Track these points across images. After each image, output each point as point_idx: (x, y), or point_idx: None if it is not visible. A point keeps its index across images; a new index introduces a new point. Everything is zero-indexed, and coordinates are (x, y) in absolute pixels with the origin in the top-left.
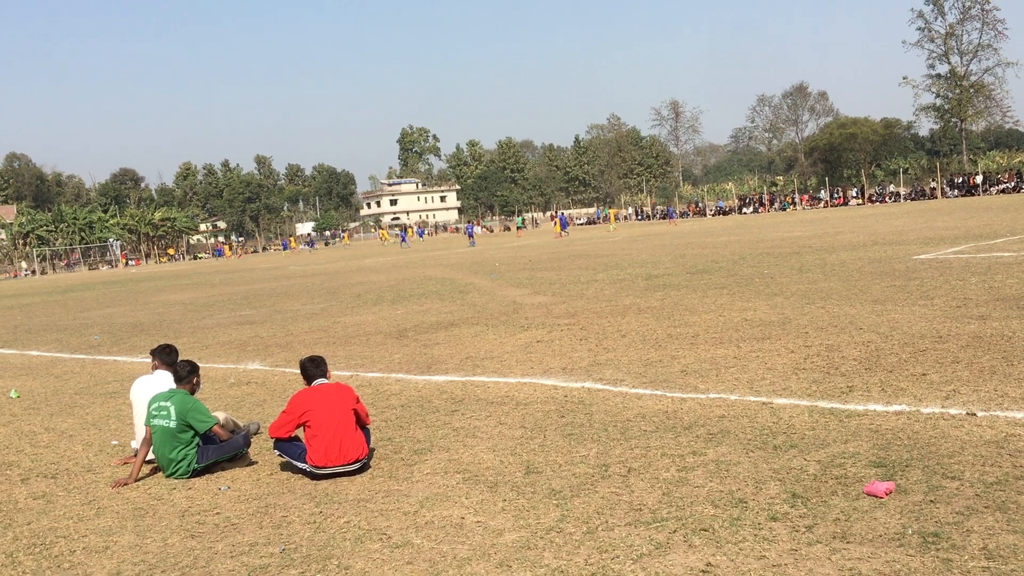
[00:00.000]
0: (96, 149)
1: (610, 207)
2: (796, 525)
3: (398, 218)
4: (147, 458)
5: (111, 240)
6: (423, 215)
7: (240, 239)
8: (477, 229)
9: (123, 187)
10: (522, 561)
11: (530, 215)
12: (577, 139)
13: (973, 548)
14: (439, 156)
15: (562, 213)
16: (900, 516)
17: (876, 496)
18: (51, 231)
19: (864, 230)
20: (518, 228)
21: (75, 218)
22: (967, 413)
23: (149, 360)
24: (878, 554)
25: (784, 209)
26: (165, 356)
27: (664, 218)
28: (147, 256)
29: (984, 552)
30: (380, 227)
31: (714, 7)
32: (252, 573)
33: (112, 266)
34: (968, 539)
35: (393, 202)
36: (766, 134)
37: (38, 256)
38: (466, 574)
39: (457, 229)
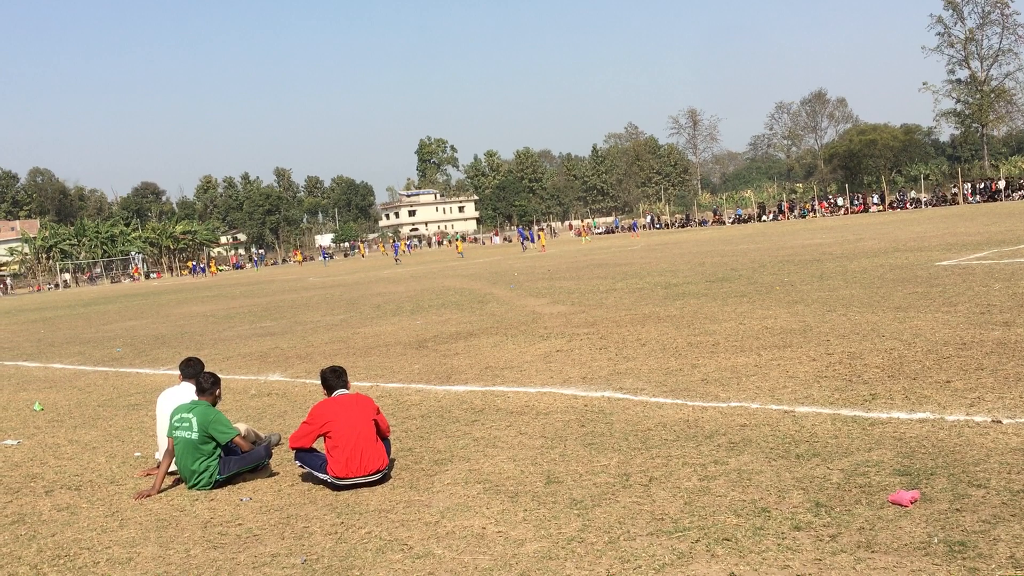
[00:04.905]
0: (118, 163)
1: (582, 220)
2: (820, 534)
3: (416, 229)
4: (170, 469)
5: (133, 253)
6: (441, 226)
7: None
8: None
9: (144, 201)
10: (543, 571)
11: (547, 224)
12: (595, 148)
13: (1000, 557)
14: (457, 167)
15: (520, 227)
16: (925, 525)
17: (901, 505)
18: (74, 245)
19: (885, 237)
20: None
21: (97, 232)
22: (992, 420)
23: (171, 372)
24: (903, 563)
25: (804, 216)
26: (188, 368)
27: (611, 232)
28: (170, 269)
29: (1011, 560)
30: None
31: (733, 15)
32: None
33: (134, 279)
34: (995, 548)
35: (412, 213)
36: (785, 141)
37: (61, 270)
38: None
39: (475, 239)
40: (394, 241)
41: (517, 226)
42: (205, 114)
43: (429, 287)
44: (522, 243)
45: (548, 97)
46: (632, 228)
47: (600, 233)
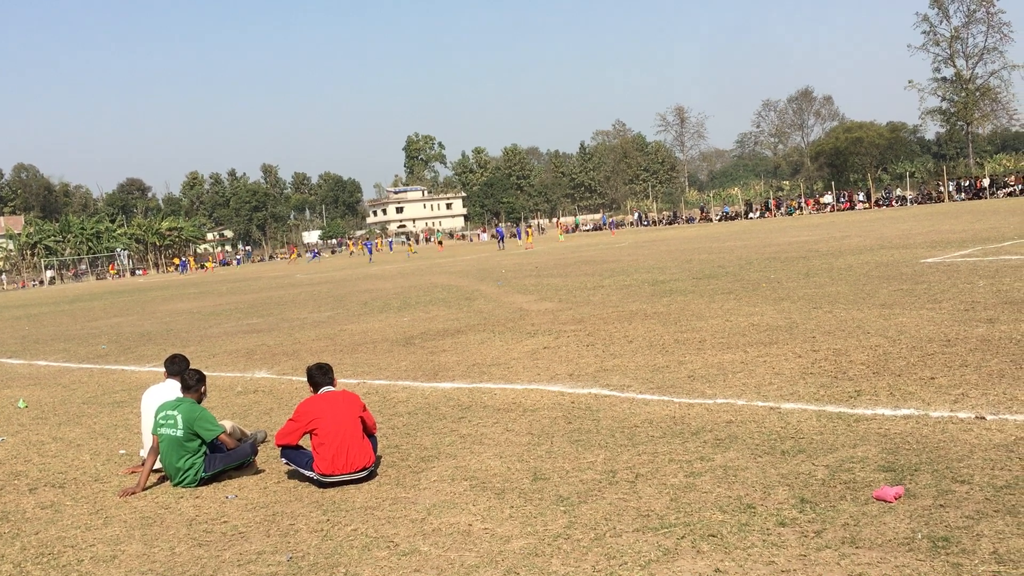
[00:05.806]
0: (103, 159)
1: (559, 219)
2: (805, 530)
3: (404, 226)
4: (155, 467)
5: (118, 250)
6: (429, 222)
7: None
8: (411, 240)
9: (130, 197)
10: (530, 568)
11: (535, 222)
12: (583, 145)
13: (983, 552)
14: (445, 164)
15: (499, 226)
16: (909, 520)
17: (885, 501)
18: (59, 241)
19: (871, 234)
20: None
21: (82, 228)
22: (976, 417)
23: (156, 369)
24: (887, 559)
25: (790, 214)
26: (172, 366)
27: (599, 229)
28: (156, 266)
29: (994, 556)
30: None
31: (719, 12)
32: None
33: (120, 275)
34: (978, 543)
35: (399, 210)
36: (772, 139)
37: (46, 266)
38: None
39: (463, 236)
40: (367, 240)
41: (496, 225)
42: (192, 110)
43: (416, 284)
44: (499, 241)
45: (536, 94)
46: (611, 226)
47: (587, 230)
